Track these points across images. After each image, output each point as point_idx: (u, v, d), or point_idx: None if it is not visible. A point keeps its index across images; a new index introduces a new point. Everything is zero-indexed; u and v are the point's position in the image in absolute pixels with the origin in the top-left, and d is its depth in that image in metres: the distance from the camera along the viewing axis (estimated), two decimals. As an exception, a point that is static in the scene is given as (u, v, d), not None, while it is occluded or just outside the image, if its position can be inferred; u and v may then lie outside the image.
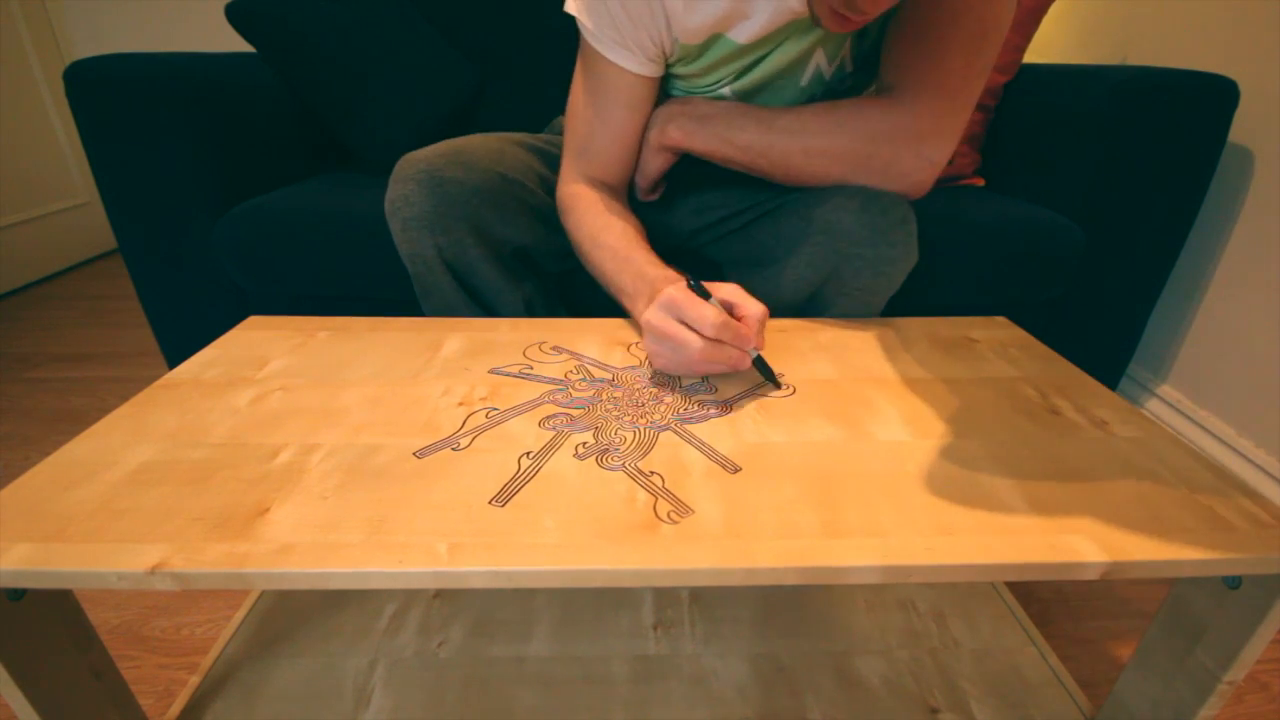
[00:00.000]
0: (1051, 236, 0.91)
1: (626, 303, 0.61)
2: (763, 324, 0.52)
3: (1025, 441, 0.46)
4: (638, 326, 0.60)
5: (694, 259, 0.85)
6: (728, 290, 0.53)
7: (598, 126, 0.69)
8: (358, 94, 1.06)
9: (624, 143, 0.71)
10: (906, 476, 0.42)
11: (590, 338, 0.61)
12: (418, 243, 0.64)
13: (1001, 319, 0.68)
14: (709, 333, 0.49)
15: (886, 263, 0.62)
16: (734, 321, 0.50)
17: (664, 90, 0.73)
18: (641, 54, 0.65)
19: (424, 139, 0.74)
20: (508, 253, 0.70)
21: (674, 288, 0.52)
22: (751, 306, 0.52)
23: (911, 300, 0.92)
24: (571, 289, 0.84)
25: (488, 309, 0.71)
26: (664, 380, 0.54)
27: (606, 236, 0.65)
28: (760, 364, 0.53)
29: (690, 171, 0.78)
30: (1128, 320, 1.02)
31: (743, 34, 0.62)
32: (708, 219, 0.82)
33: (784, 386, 0.54)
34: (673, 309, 0.50)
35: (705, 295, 0.52)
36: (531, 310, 0.73)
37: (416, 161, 0.64)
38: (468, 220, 0.64)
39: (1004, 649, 0.62)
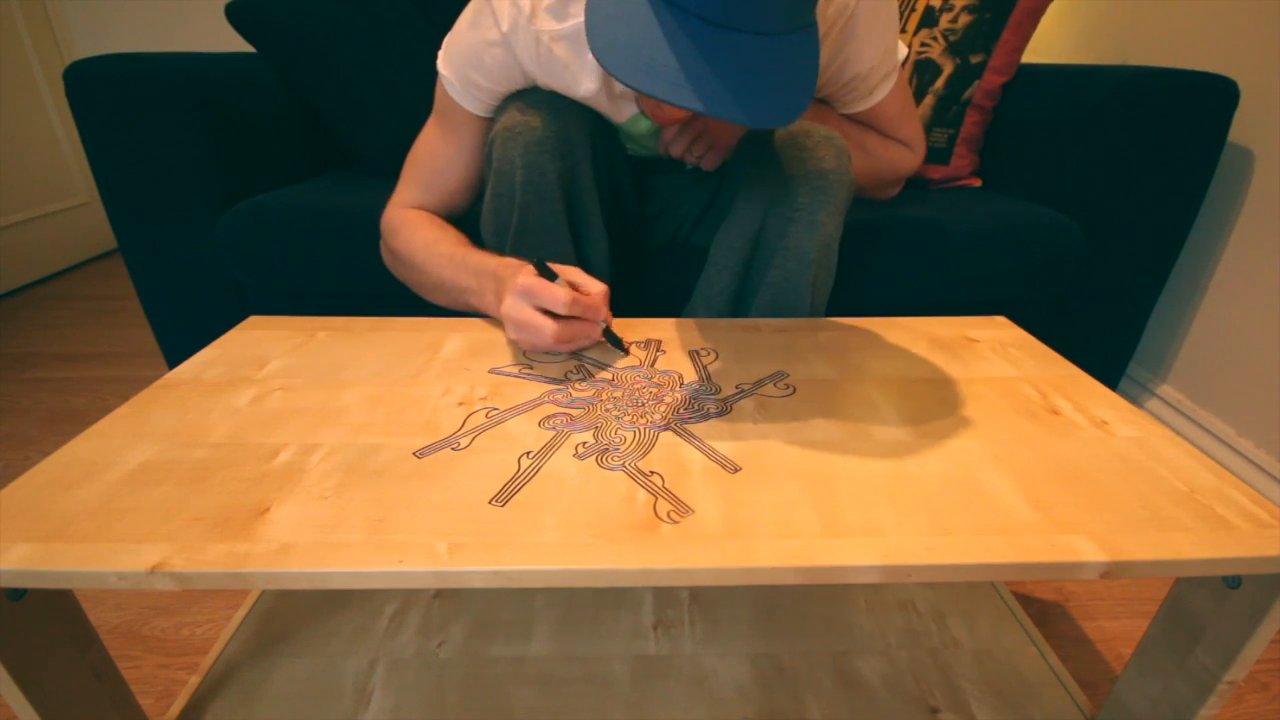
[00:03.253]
0: (1051, 236, 0.91)
1: (473, 300, 0.63)
2: (605, 298, 0.58)
3: (1025, 441, 0.46)
4: (493, 318, 0.62)
5: (692, 251, 0.86)
6: (570, 272, 0.58)
7: (454, 159, 0.72)
8: (358, 94, 1.06)
9: (470, 179, 0.74)
10: (906, 476, 0.42)
11: (590, 338, 0.61)
12: (537, 167, 0.64)
13: (1001, 319, 0.68)
14: (562, 311, 0.54)
15: (819, 176, 0.63)
16: (582, 297, 0.55)
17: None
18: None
19: (424, 139, 0.74)
20: (606, 193, 0.72)
21: (524, 276, 0.55)
22: (594, 285, 0.57)
23: (912, 300, 0.93)
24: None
25: (579, 248, 0.71)
26: (665, 380, 0.54)
27: (441, 245, 0.67)
28: (609, 334, 0.58)
29: (652, 183, 0.84)
30: (1128, 320, 1.02)
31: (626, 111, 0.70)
32: (680, 220, 0.88)
33: (628, 350, 0.59)
34: (528, 295, 0.55)
35: (552, 276, 0.56)
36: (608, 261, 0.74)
37: (529, 100, 0.66)
38: (588, 138, 0.66)
39: (1004, 649, 0.62)
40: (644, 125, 0.73)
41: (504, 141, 0.64)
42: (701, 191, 0.87)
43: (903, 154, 0.81)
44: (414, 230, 0.70)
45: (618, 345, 0.59)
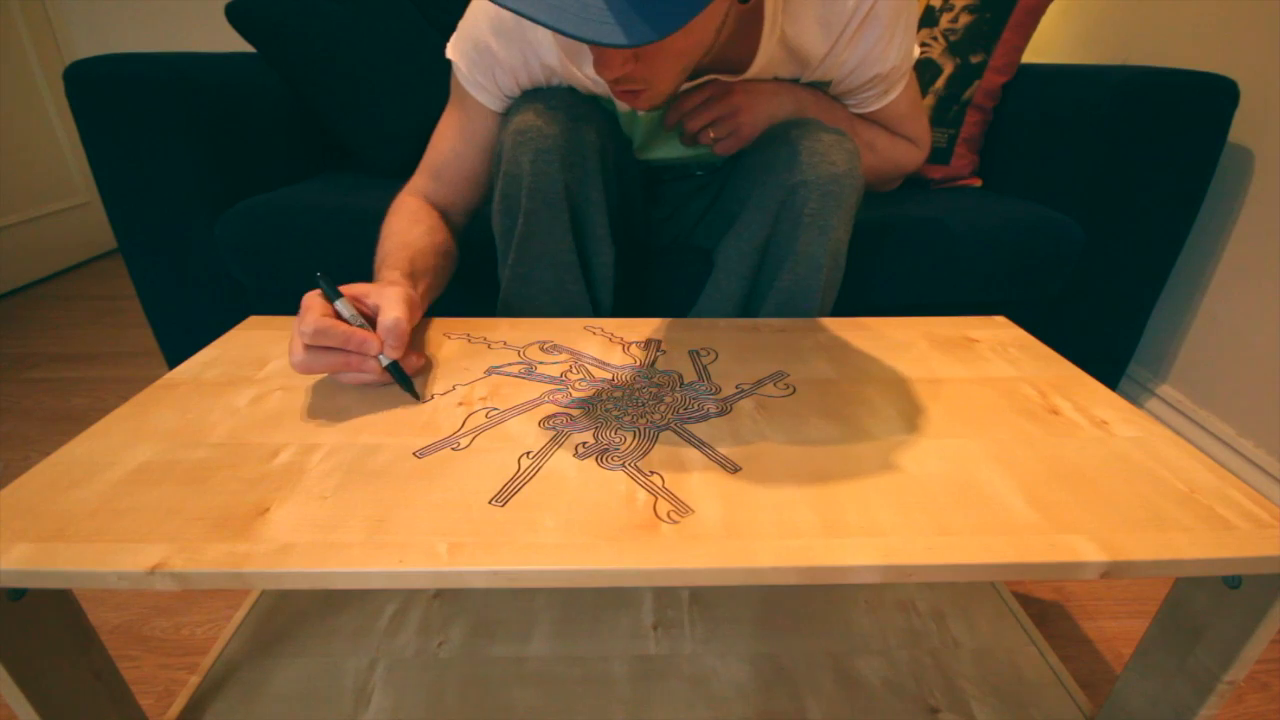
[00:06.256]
0: (1051, 235, 0.92)
1: None
2: (395, 333, 0.49)
3: (1025, 441, 0.46)
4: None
5: (692, 252, 0.86)
6: (383, 295, 0.51)
7: (463, 150, 0.72)
8: (358, 94, 1.06)
9: (479, 173, 0.73)
10: (906, 476, 0.42)
11: (590, 338, 0.61)
12: (546, 176, 0.64)
13: (1001, 319, 0.68)
14: (304, 340, 0.48)
15: (830, 181, 0.62)
16: (343, 327, 0.48)
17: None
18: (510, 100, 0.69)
19: (424, 138, 0.74)
20: (614, 203, 0.71)
21: (310, 293, 0.50)
22: (386, 315, 0.50)
23: (912, 300, 0.93)
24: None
25: (583, 257, 0.70)
26: (665, 380, 0.54)
27: (390, 241, 0.65)
28: (396, 371, 0.50)
29: (660, 190, 0.86)
30: (1128, 320, 1.02)
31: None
32: (683, 222, 0.89)
33: (421, 399, 0.50)
34: (300, 311, 0.49)
35: (333, 297, 0.50)
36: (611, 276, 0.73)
37: (547, 103, 0.65)
38: (598, 150, 0.66)
39: (1004, 649, 0.62)
40: (642, 117, 0.73)
41: (514, 145, 0.64)
42: (703, 196, 0.87)
43: (910, 151, 0.81)
44: (392, 217, 0.69)
45: (408, 389, 0.50)
